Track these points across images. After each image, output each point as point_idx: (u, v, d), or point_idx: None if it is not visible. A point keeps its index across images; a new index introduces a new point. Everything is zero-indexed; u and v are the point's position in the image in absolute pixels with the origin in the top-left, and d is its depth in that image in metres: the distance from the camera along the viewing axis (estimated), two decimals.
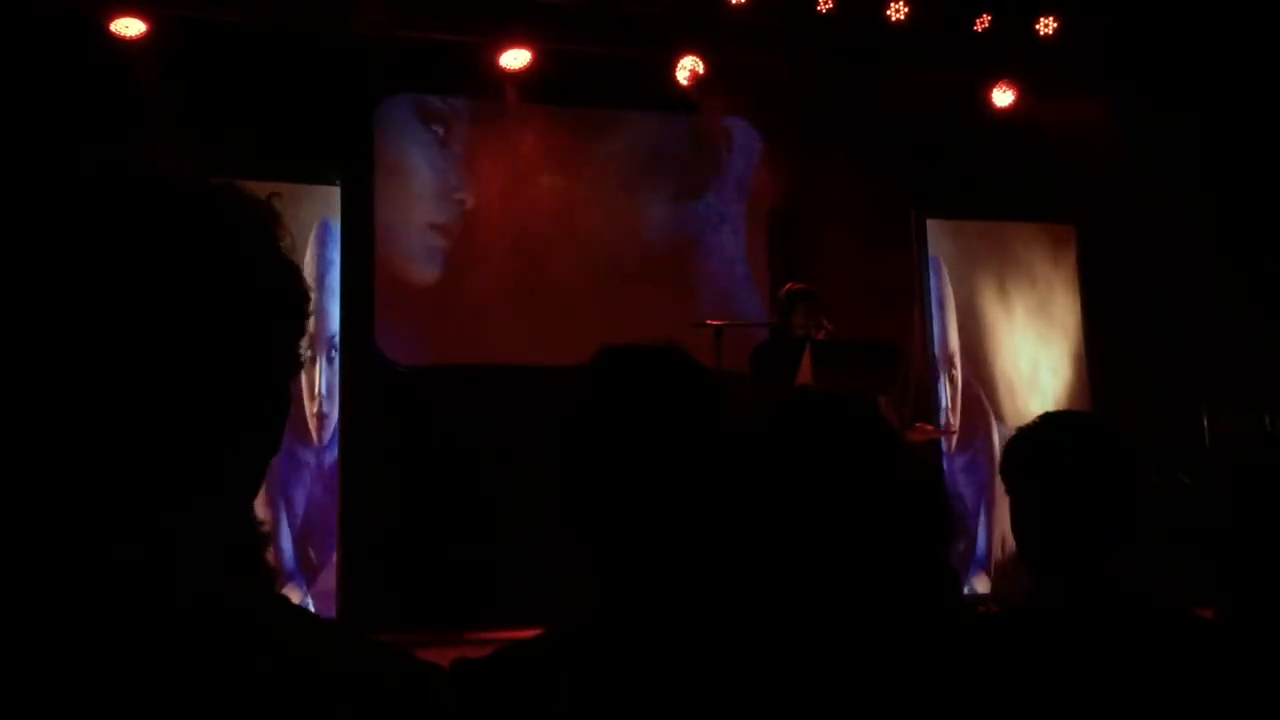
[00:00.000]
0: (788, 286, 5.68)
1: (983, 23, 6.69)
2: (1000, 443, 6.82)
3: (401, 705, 0.83)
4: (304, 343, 0.90)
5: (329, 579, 5.90)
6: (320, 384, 6.00)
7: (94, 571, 0.78)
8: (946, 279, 7.07)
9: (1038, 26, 6.79)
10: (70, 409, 0.78)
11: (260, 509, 0.93)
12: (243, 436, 0.86)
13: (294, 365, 0.89)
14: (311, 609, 3.65)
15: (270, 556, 0.90)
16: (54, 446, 0.78)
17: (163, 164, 0.86)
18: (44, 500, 0.78)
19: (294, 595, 5.54)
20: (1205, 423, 6.80)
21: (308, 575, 5.89)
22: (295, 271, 0.89)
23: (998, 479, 1.99)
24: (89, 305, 0.78)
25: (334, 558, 5.94)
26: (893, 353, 5.60)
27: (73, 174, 0.82)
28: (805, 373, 5.08)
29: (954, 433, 6.84)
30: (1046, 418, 1.93)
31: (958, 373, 7.01)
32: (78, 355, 0.78)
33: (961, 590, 1.34)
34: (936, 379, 6.93)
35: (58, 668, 0.74)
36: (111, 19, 5.73)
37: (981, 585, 6.72)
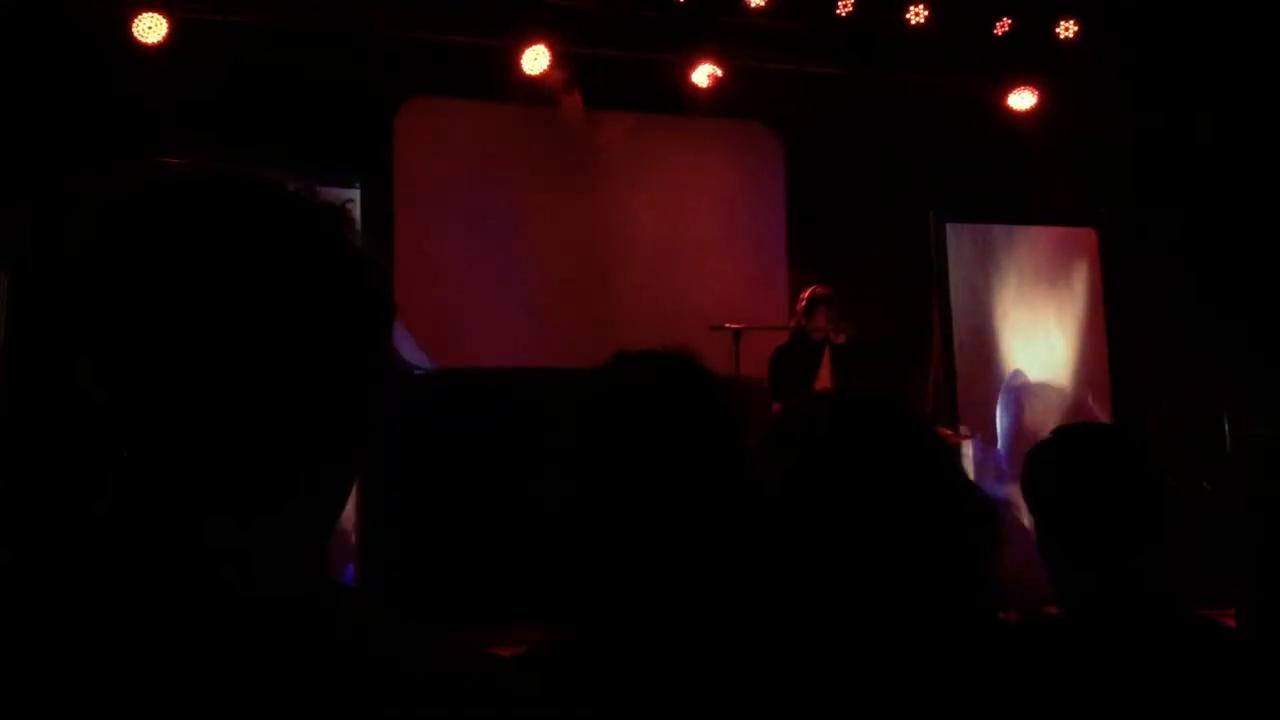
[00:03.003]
0: (809, 290, 5.68)
1: (1003, 26, 6.67)
2: (1015, 449, 6.79)
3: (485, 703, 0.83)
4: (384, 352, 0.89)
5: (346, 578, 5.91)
6: None
7: (181, 565, 0.78)
8: (966, 282, 7.04)
9: (1058, 30, 6.75)
10: (171, 413, 0.79)
11: None
12: (333, 444, 0.85)
13: (380, 374, 0.88)
14: None
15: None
16: (155, 447, 0.80)
17: (243, 169, 0.86)
18: (138, 498, 0.80)
19: None
20: (1227, 428, 6.76)
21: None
22: (384, 275, 0.87)
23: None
24: (188, 315, 0.79)
25: (352, 558, 5.95)
26: (912, 356, 5.60)
27: (147, 181, 0.83)
28: (825, 376, 5.08)
29: (971, 436, 6.81)
30: (1061, 432, 1.92)
31: (965, 374, 6.97)
32: (176, 361, 0.78)
33: (992, 596, 1.33)
34: (955, 382, 6.89)
35: (137, 655, 0.74)
36: (133, 21, 5.75)
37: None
